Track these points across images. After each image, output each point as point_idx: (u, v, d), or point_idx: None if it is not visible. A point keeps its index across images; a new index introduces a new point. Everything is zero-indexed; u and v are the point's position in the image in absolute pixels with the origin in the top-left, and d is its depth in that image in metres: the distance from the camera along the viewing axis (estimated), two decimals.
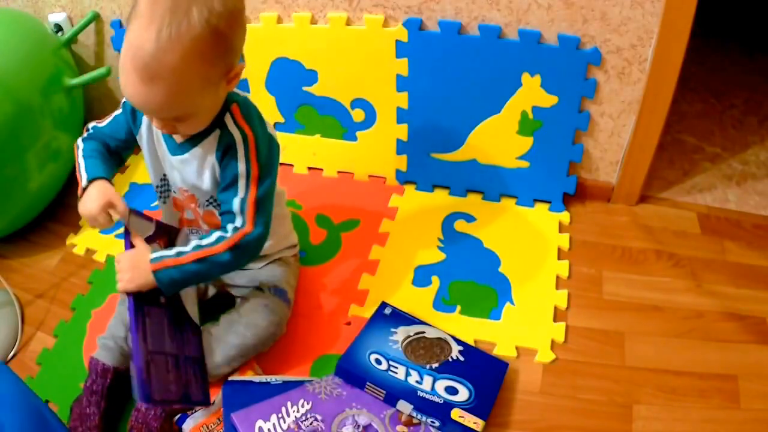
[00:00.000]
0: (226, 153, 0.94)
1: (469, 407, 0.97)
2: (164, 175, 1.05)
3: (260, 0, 1.31)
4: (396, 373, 1.01)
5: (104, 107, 1.66)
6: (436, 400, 0.98)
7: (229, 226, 0.94)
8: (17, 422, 0.74)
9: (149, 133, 1.01)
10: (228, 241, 0.92)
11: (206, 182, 0.99)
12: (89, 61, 1.58)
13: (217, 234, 0.94)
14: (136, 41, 0.77)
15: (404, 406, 0.97)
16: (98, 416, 1.01)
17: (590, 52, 1.17)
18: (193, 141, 0.96)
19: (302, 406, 0.94)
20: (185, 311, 1.03)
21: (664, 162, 1.49)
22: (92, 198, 0.92)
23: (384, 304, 1.15)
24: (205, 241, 0.93)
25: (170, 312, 0.99)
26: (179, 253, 0.92)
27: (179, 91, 0.80)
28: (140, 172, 1.60)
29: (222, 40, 0.80)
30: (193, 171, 0.98)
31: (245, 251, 0.94)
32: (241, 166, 0.93)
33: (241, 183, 0.94)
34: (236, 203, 0.93)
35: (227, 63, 0.84)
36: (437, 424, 0.96)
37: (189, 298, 1.06)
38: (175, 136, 0.97)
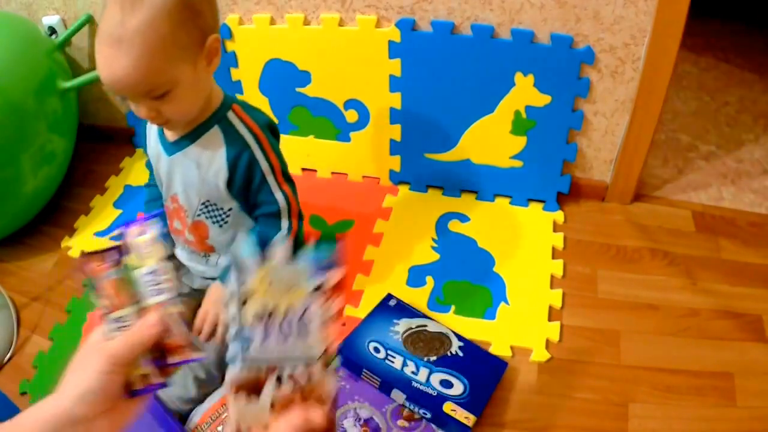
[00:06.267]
0: (239, 156, 0.94)
1: (463, 402, 0.98)
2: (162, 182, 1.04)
3: (253, 1, 1.31)
4: (393, 362, 1.02)
5: (98, 110, 1.66)
6: (430, 392, 0.98)
7: (283, 227, 0.99)
8: None
9: (153, 142, 1.01)
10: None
11: (209, 180, 0.95)
12: (83, 64, 1.58)
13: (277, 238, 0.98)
14: (105, 18, 0.79)
15: (397, 395, 0.97)
16: None
17: (583, 51, 1.17)
18: (191, 137, 0.94)
19: None
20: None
21: (659, 160, 1.49)
22: None
23: (389, 296, 1.16)
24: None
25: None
26: None
27: (147, 54, 0.78)
28: (134, 174, 1.60)
29: (188, 4, 0.81)
30: (193, 169, 0.95)
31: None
32: (264, 164, 0.96)
33: (270, 179, 0.97)
34: (281, 200, 0.98)
35: (198, 28, 0.83)
36: (429, 415, 0.96)
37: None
38: (167, 134, 0.97)
